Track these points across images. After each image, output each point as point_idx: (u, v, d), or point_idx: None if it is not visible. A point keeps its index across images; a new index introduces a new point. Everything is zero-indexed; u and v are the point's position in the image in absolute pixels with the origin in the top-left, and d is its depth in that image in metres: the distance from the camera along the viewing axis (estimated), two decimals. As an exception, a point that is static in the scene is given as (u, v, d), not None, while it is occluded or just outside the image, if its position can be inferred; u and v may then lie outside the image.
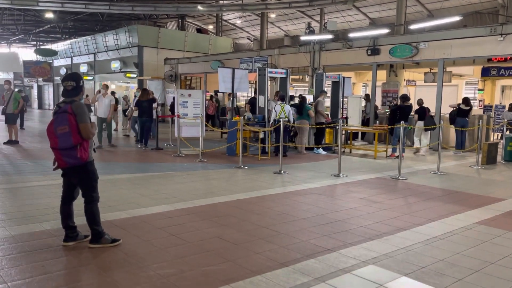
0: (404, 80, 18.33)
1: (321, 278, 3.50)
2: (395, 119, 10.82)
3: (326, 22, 17.10)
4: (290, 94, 13.78)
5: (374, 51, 14.63)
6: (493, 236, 4.74)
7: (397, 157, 9.20)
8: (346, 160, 10.24)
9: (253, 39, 36.58)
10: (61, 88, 4.20)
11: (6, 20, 31.43)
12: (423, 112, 11.83)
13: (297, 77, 22.18)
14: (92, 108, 17.14)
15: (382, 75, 16.70)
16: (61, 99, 4.15)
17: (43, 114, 30.82)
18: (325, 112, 12.58)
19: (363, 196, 6.61)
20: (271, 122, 11.01)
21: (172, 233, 4.56)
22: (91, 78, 30.87)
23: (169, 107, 20.07)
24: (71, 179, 4.16)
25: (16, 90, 13.73)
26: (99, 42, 29.47)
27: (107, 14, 29.05)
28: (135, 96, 12.96)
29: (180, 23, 31.47)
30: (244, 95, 24.21)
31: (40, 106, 41.28)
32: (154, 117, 12.41)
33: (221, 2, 28.56)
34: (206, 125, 11.65)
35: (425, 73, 17.03)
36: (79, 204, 4.21)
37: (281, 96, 11.29)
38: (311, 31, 16.84)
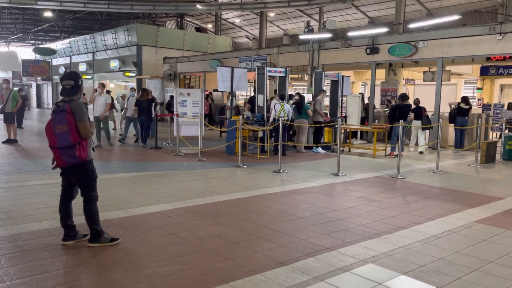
0: (403, 79, 18.34)
1: (320, 277, 3.50)
2: (395, 118, 10.83)
3: (325, 21, 17.10)
4: (289, 93, 13.77)
5: (373, 50, 14.63)
6: (492, 235, 4.74)
7: (396, 156, 9.21)
8: (345, 159, 10.25)
9: (252, 38, 36.58)
10: (60, 87, 4.20)
11: (5, 19, 31.37)
12: (419, 112, 11.86)
13: (296, 76, 22.17)
14: (89, 107, 17.10)
15: (381, 74, 16.70)
16: (60, 98, 4.15)
17: (41, 113, 30.79)
18: (324, 111, 12.58)
19: (362, 195, 6.62)
20: (270, 121, 11.02)
21: (171, 232, 4.56)
22: (90, 77, 30.81)
23: (165, 106, 20.08)
24: (70, 178, 4.15)
25: (17, 89, 13.72)
26: (98, 41, 29.42)
27: (106, 13, 29.00)
28: (124, 95, 13.01)
29: (179, 22, 31.43)
30: (243, 94, 24.19)
31: (39, 105, 41.22)
32: (153, 116, 12.43)
33: (220, 1, 28.50)
34: (205, 124, 11.66)
35: (424, 72, 17.05)
36: (78, 203, 4.20)
37: (281, 95, 11.28)
38: (310, 30, 16.83)
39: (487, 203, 6.28)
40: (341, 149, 10.00)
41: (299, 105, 11.56)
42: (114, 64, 27.95)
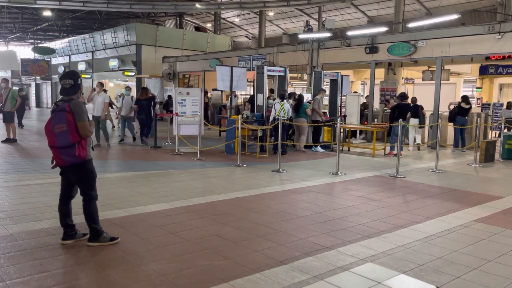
0: (402, 78, 18.34)
1: (320, 276, 3.50)
2: (394, 118, 10.84)
3: (325, 20, 17.09)
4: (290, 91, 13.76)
5: (373, 49, 14.63)
6: (491, 234, 4.75)
7: (395, 155, 9.22)
8: (344, 158, 10.26)
9: (252, 37, 36.56)
10: (59, 87, 4.19)
11: (4, 18, 31.34)
12: (416, 110, 11.88)
13: (295, 75, 22.18)
14: (89, 106, 17.06)
15: (380, 73, 16.71)
16: (59, 97, 4.15)
17: (41, 113, 30.75)
18: (323, 111, 12.58)
19: (361, 194, 6.62)
20: (270, 121, 11.02)
21: (170, 231, 4.56)
22: (89, 76, 30.79)
23: (163, 106, 20.07)
24: (69, 177, 4.15)
25: (17, 88, 13.68)
26: (97, 40, 29.39)
27: (105, 12, 28.98)
28: (123, 95, 12.95)
29: (178, 21, 31.41)
30: (242, 93, 24.18)
31: (38, 104, 41.17)
32: (153, 115, 12.45)
33: (219, 0, 28.52)
34: (205, 123, 11.67)
35: (423, 71, 17.05)
36: (77, 202, 4.20)
37: (281, 94, 11.29)
38: (309, 29, 16.84)
39: (486, 202, 6.29)
40: (341, 148, 10.00)
41: (297, 105, 11.56)
42: (114, 63, 27.93)
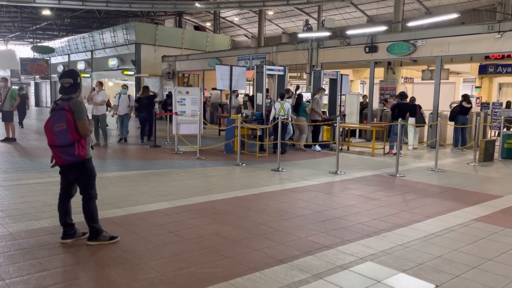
0: (402, 77, 18.34)
1: (319, 275, 3.51)
2: (394, 117, 10.84)
3: (324, 20, 17.11)
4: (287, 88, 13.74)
5: (372, 48, 14.63)
6: (490, 233, 4.76)
7: (395, 154, 9.22)
8: (343, 157, 10.26)
9: (251, 37, 36.56)
10: (58, 86, 4.19)
11: (3, 17, 31.31)
12: (414, 109, 11.88)
13: (295, 74, 22.19)
14: (86, 106, 17.04)
15: (379, 72, 16.71)
16: (59, 96, 4.14)
17: (40, 112, 30.73)
18: (323, 110, 12.57)
19: (360, 193, 6.62)
20: (270, 120, 11.02)
21: (170, 230, 4.56)
22: (88, 75, 30.78)
23: (161, 105, 20.04)
24: (69, 176, 4.14)
25: (17, 87, 13.66)
26: (96, 40, 29.37)
27: (104, 11, 28.97)
28: (120, 94, 12.88)
29: (178, 20, 31.40)
30: (241, 92, 24.17)
31: (37, 103, 41.11)
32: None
33: (218, -1, 28.51)
34: (204, 123, 11.67)
35: (423, 71, 17.05)
36: (77, 201, 4.20)
37: (281, 94, 11.28)
38: (309, 29, 16.84)
39: (486, 201, 6.29)
40: (340, 147, 10.00)
41: (296, 104, 11.56)
42: (113, 62, 27.90)
